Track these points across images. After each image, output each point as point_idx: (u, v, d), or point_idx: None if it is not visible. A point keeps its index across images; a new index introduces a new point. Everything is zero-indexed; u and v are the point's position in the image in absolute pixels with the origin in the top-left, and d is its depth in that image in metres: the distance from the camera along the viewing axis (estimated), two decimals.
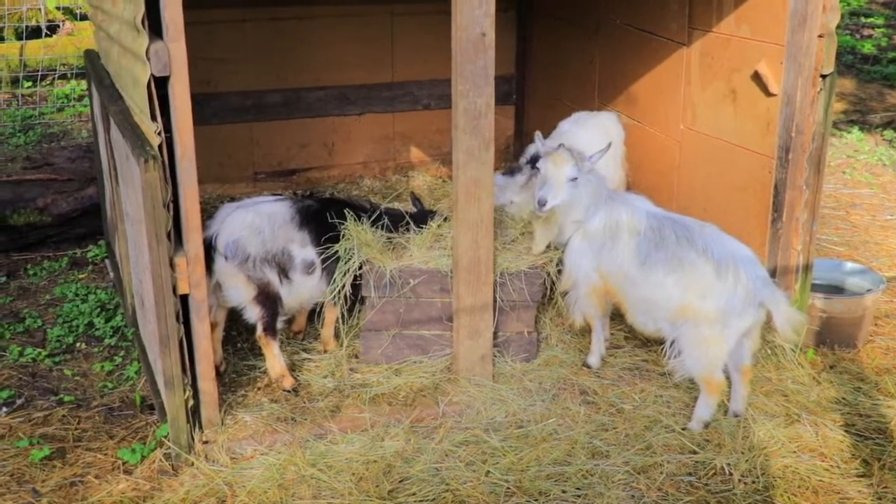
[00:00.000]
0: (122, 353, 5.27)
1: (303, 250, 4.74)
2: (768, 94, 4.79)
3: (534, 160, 5.72)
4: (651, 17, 5.79)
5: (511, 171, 5.91)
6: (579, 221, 4.71)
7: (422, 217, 5.09)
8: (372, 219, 4.91)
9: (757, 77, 4.84)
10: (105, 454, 4.33)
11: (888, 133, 9.51)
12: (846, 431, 4.46)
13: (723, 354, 4.38)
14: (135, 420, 4.61)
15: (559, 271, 4.91)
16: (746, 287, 4.25)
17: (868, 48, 12.47)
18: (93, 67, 5.80)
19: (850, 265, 5.67)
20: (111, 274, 6.17)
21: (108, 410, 4.70)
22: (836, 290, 5.50)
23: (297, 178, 7.40)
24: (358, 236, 4.80)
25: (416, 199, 5.34)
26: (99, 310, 5.75)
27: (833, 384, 4.85)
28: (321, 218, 4.82)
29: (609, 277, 4.67)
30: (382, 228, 4.89)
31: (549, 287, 4.98)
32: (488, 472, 4.12)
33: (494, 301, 4.70)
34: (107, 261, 6.40)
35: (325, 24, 7.07)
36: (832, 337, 5.19)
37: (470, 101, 4.26)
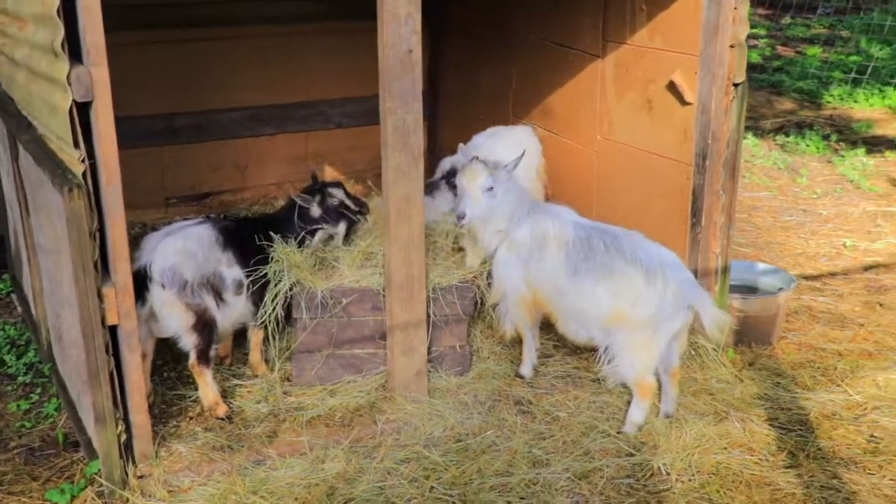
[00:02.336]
0: (38, 390, 5.04)
1: (230, 270, 4.70)
2: (684, 103, 4.94)
3: (450, 175, 5.76)
4: (565, 30, 5.90)
5: (430, 190, 5.90)
6: (502, 232, 4.76)
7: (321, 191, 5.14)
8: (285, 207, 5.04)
9: (672, 87, 4.99)
10: (30, 497, 4.13)
11: (780, 138, 9.95)
12: (770, 425, 4.63)
13: (654, 358, 4.48)
14: (58, 459, 4.42)
15: (489, 284, 4.95)
16: (675, 291, 4.36)
17: (754, 57, 13.03)
18: None
19: (762, 266, 5.91)
20: (19, 308, 5.90)
21: (29, 451, 4.49)
22: (750, 290, 5.71)
23: (211, 202, 7.24)
24: (287, 258, 4.74)
25: (314, 177, 5.31)
26: (9, 346, 5.49)
27: (754, 381, 5.03)
28: (241, 237, 4.80)
29: (538, 289, 4.73)
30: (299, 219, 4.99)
31: (479, 300, 5.01)
32: (432, 487, 4.12)
33: (428, 316, 4.70)
34: (13, 295, 6.13)
35: (235, 46, 6.95)
36: (749, 335, 5.38)
37: (398, 117, 4.27)
